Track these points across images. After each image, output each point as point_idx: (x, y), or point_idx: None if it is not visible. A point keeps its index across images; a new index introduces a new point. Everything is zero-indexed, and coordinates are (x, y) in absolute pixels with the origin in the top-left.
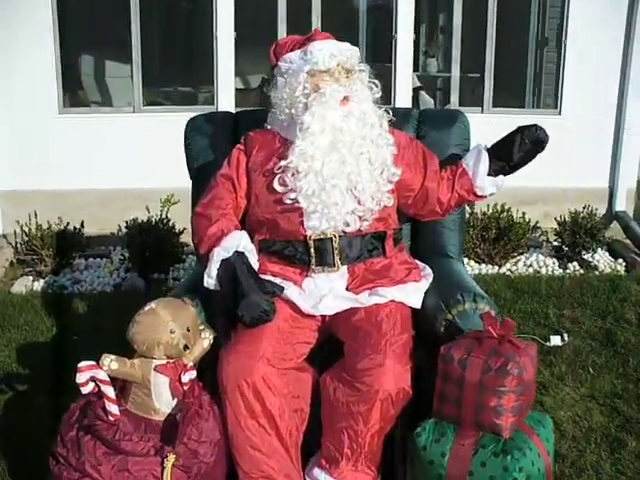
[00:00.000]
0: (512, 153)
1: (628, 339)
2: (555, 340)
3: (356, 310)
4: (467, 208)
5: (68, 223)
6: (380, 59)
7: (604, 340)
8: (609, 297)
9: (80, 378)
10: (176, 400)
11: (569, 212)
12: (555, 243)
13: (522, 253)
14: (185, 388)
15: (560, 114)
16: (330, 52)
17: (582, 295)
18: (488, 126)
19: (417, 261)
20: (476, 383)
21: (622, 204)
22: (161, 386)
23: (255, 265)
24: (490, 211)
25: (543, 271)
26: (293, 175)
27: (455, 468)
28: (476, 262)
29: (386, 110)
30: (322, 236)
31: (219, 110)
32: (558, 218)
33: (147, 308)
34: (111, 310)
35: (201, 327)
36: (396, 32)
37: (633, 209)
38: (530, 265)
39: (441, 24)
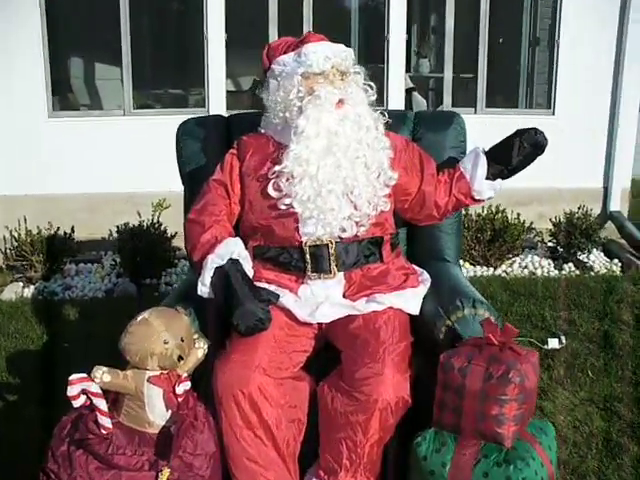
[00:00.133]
0: (511, 157)
1: (626, 341)
2: (553, 343)
3: (353, 317)
4: (462, 210)
5: (58, 228)
6: (372, 60)
7: (602, 342)
8: (606, 298)
9: (71, 391)
10: (170, 412)
11: (564, 213)
12: (550, 244)
13: (517, 254)
14: (179, 399)
15: (554, 114)
16: (324, 54)
17: (578, 297)
18: (481, 127)
19: (414, 266)
20: (477, 391)
21: (617, 204)
22: (155, 398)
23: (250, 272)
24: (485, 212)
25: (539, 272)
26: (288, 180)
27: (456, 478)
28: (471, 264)
29: (381, 112)
30: (318, 242)
31: (210, 113)
32: (553, 219)
33: (140, 318)
34: (103, 316)
35: (195, 336)
36: (388, 33)
37: (628, 209)
38: (525, 266)
39: (433, 24)
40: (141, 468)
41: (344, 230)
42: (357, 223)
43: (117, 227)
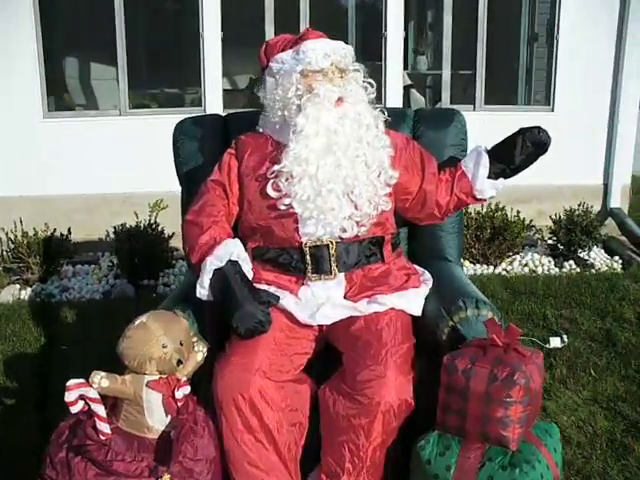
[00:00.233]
0: (514, 156)
1: (629, 339)
2: (555, 342)
3: (355, 319)
4: (463, 209)
5: (55, 229)
6: (370, 57)
7: (604, 341)
8: (607, 296)
9: (69, 397)
10: (170, 417)
11: (564, 210)
12: (550, 241)
13: (517, 252)
14: (179, 404)
15: (553, 111)
16: (323, 51)
17: (580, 295)
18: (480, 124)
19: (416, 266)
20: (481, 394)
21: (617, 201)
22: (154, 403)
23: (249, 274)
24: (484, 210)
25: (539, 270)
26: (287, 180)
27: None
28: (471, 262)
29: (381, 110)
30: (318, 243)
31: (207, 112)
32: (553, 216)
33: (137, 322)
34: (101, 318)
35: (194, 340)
36: (386, 30)
37: (628, 206)
38: (526, 264)
39: (430, 21)
40: (141, 474)
41: (345, 230)
42: (358, 223)
43: (114, 228)
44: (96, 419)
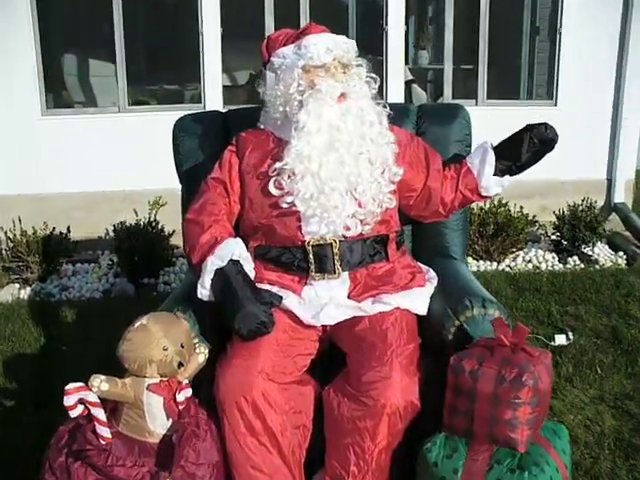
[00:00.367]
0: (520, 153)
1: (635, 336)
2: (560, 339)
3: (359, 319)
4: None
5: (54, 228)
6: (371, 52)
7: (610, 338)
8: (612, 292)
9: (68, 401)
10: (171, 420)
11: (568, 205)
12: (554, 237)
13: (521, 248)
14: (180, 407)
15: (556, 105)
16: (326, 46)
17: (585, 291)
18: (483, 119)
19: (420, 264)
20: (489, 395)
21: (621, 195)
22: (155, 406)
23: (251, 274)
24: (487, 206)
25: (543, 266)
26: (289, 177)
27: None
28: (474, 259)
29: (384, 105)
30: (321, 241)
31: (207, 108)
32: (556, 212)
33: (137, 324)
34: (101, 317)
35: (195, 341)
36: (387, 24)
37: (632, 200)
38: (529, 260)
39: (431, 15)
40: (142, 479)
41: (348, 228)
42: (362, 221)
43: (114, 226)
44: (96, 423)
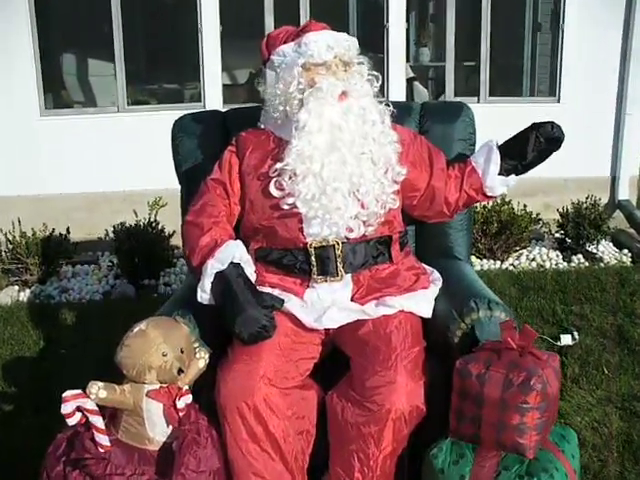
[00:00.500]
0: (526, 152)
1: None
2: (566, 339)
3: (362, 322)
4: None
5: (53, 229)
6: (371, 50)
7: (616, 337)
8: (618, 291)
9: (66, 408)
10: (171, 427)
11: (571, 203)
12: (558, 235)
13: (525, 247)
14: (180, 414)
15: (559, 102)
16: (326, 43)
17: (590, 290)
18: (485, 116)
19: (424, 265)
20: (496, 400)
21: (625, 192)
22: (154, 413)
23: (252, 277)
24: (490, 204)
25: (547, 265)
26: (290, 178)
27: None
28: (477, 257)
29: (387, 104)
30: (323, 243)
31: (206, 107)
32: (560, 209)
33: (136, 329)
34: (101, 319)
35: (195, 345)
36: (388, 21)
37: (637, 197)
38: (533, 259)
39: (432, 12)
40: None
41: (351, 230)
42: (365, 222)
43: (113, 227)
44: (94, 431)
